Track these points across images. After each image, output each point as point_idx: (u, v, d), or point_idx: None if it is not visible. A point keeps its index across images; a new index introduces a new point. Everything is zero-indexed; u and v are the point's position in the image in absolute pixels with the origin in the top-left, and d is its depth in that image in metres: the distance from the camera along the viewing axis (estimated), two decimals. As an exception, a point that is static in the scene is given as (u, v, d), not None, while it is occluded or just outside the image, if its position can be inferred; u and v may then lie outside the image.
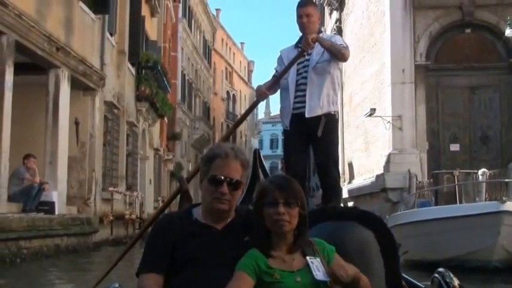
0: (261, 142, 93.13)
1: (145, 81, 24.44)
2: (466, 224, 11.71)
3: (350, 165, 29.96)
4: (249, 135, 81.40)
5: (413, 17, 24.12)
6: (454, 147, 24.06)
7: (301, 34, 5.87)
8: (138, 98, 24.48)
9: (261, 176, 4.92)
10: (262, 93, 5.49)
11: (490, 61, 24.03)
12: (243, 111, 74.68)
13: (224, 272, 2.63)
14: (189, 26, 48.19)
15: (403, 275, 3.27)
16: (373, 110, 24.44)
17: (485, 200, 14.13)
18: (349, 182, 29.09)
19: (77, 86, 16.81)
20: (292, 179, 2.77)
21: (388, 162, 23.29)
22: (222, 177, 2.80)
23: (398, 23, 24.02)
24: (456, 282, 2.81)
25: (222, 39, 67.20)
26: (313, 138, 5.64)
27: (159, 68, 25.79)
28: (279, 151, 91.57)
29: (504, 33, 21.99)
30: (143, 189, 25.74)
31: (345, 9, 34.94)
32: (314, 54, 5.66)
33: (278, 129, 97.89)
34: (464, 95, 24.36)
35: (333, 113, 5.66)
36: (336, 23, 36.38)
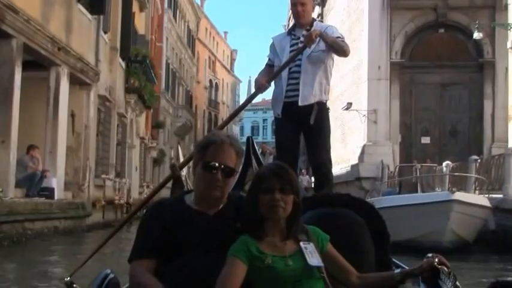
0: (242, 129, 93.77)
1: (134, 74, 25.64)
2: (421, 210, 13.41)
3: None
4: (231, 123, 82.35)
5: (390, 17, 25.28)
6: (425, 140, 25.44)
7: (293, 22, 5.98)
8: (127, 90, 25.62)
9: (254, 163, 4.86)
10: (261, 86, 5.47)
11: (460, 60, 25.37)
12: (225, 99, 75.89)
13: (216, 258, 2.66)
14: (174, 16, 48.69)
15: (394, 259, 3.28)
16: (349, 104, 25.74)
17: (448, 190, 15.66)
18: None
19: (74, 81, 18.02)
20: (288, 167, 2.80)
21: (362, 153, 24.53)
22: (217, 164, 2.80)
23: (376, 22, 25.15)
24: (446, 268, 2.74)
25: (206, 29, 67.78)
26: (305, 126, 5.62)
27: (148, 61, 27.02)
28: (260, 138, 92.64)
29: (475, 34, 23.15)
30: (130, 176, 26.98)
31: (326, 4, 35.87)
32: (304, 38, 5.51)
33: (259, 117, 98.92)
34: (436, 91, 25.72)
35: (324, 101, 5.67)
36: (317, 17, 37.48)
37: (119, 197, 23.09)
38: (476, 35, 22.93)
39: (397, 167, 19.98)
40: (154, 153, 39.57)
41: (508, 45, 22.03)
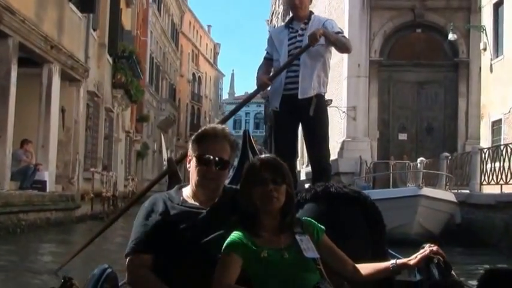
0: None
1: (121, 70, 26.22)
2: (391, 204, 14.17)
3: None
4: (213, 116, 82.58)
5: (369, 17, 26.04)
6: (402, 136, 26.30)
7: (291, 15, 6.00)
8: (114, 86, 26.21)
9: (251, 156, 4.69)
10: (263, 84, 5.57)
11: (437, 59, 26.26)
12: (208, 93, 76.31)
13: (211, 252, 2.68)
14: (158, 10, 48.71)
15: (389, 250, 3.28)
16: (330, 101, 26.45)
17: (417, 186, 16.57)
18: (307, 165, 31.03)
19: (65, 77, 18.64)
20: (278, 159, 2.81)
21: (342, 148, 25.29)
22: (211, 157, 2.82)
23: (356, 21, 25.89)
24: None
25: (190, 22, 67.85)
26: (303, 119, 5.61)
27: (134, 57, 27.67)
28: (242, 132, 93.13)
29: (450, 35, 24.02)
30: (116, 169, 27.58)
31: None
32: (308, 38, 5.50)
33: (242, 110, 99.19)
34: (413, 89, 26.59)
35: (323, 93, 5.67)
36: None
37: (106, 189, 23.73)
38: (451, 36, 23.85)
39: (372, 163, 20.85)
40: (138, 147, 39.97)
41: (481, 47, 22.97)
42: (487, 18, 22.98)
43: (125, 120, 31.70)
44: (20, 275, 9.00)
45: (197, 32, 72.33)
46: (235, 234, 2.65)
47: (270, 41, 5.88)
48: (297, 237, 2.68)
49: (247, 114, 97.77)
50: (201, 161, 2.84)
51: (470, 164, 16.53)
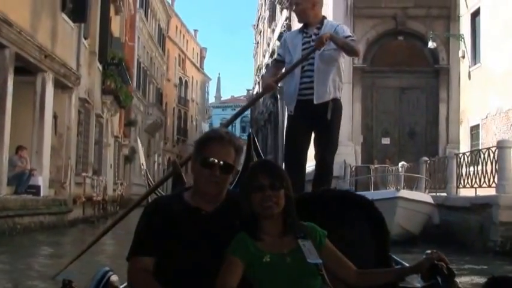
0: (210, 126, 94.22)
1: (111, 76, 26.74)
2: None
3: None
4: (200, 120, 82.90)
5: (353, 25, 26.46)
6: (385, 140, 26.87)
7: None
8: (104, 92, 26.75)
9: (255, 159, 4.79)
10: (270, 87, 5.56)
11: (418, 65, 26.88)
12: (194, 97, 76.70)
13: (214, 255, 2.67)
14: (146, 15, 48.95)
15: (393, 256, 3.25)
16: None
17: (404, 188, 17.26)
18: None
19: (57, 85, 19.20)
20: (275, 162, 2.84)
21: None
22: (216, 160, 2.79)
23: (339, 28, 26.50)
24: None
25: (176, 27, 68.01)
26: (318, 123, 5.60)
27: (123, 64, 28.25)
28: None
29: (430, 43, 24.72)
30: (105, 174, 28.12)
31: (294, 8, 37.34)
32: (314, 42, 5.50)
33: (228, 114, 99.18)
34: (395, 94, 27.16)
35: (338, 98, 5.66)
36: (286, 20, 38.31)
37: (96, 194, 24.25)
38: (431, 44, 24.56)
39: (354, 167, 21.55)
40: (126, 151, 40.25)
41: (460, 54, 23.68)
42: (465, 27, 23.67)
43: (114, 125, 32.20)
44: (20, 278, 9.17)
45: (184, 36, 72.59)
46: (238, 238, 2.66)
47: (284, 44, 5.89)
48: (300, 241, 2.67)
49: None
50: (205, 164, 2.81)
51: (447, 168, 17.21)
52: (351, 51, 5.59)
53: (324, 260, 2.67)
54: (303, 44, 5.64)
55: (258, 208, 2.66)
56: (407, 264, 2.99)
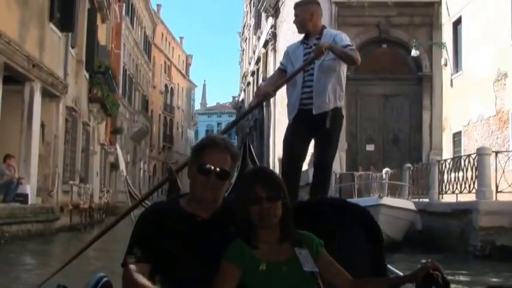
0: (196, 133, 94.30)
1: (97, 85, 26.88)
2: None
3: (280, 160, 32.42)
4: (185, 127, 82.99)
5: (337, 32, 26.96)
6: (370, 147, 27.12)
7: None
8: (90, 100, 26.91)
9: (251, 166, 4.78)
10: (266, 94, 5.60)
11: (402, 73, 27.19)
12: (180, 104, 76.82)
13: (210, 262, 2.66)
14: (131, 22, 49.11)
15: (389, 266, 3.23)
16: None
17: (388, 194, 17.56)
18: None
19: (45, 94, 19.33)
20: (271, 171, 2.83)
21: (312, 159, 26.13)
22: (212, 167, 2.78)
23: (324, 37, 26.75)
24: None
25: (162, 34, 68.13)
26: (317, 133, 5.67)
27: (110, 72, 28.43)
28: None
29: (413, 51, 25.10)
30: (92, 181, 28.24)
31: (279, 16, 37.01)
32: (313, 51, 5.55)
33: (213, 121, 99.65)
34: (379, 102, 27.43)
35: (339, 107, 5.72)
36: (271, 28, 38.64)
37: (83, 201, 24.36)
38: (414, 53, 24.96)
39: (339, 174, 21.84)
40: (112, 158, 40.29)
41: (442, 62, 24.12)
42: (447, 35, 24.13)
43: (100, 133, 32.30)
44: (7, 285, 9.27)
45: (169, 43, 72.72)
46: (234, 246, 2.66)
47: (286, 55, 5.97)
48: (296, 250, 2.66)
49: (219, 124, 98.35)
50: (201, 171, 2.80)
51: (429, 174, 17.53)
52: (350, 60, 5.60)
53: (320, 268, 2.66)
54: (304, 55, 5.74)
55: (256, 220, 2.65)
56: (401, 274, 2.93)
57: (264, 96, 5.68)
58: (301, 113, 5.70)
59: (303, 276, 2.60)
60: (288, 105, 5.87)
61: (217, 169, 2.79)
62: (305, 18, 5.79)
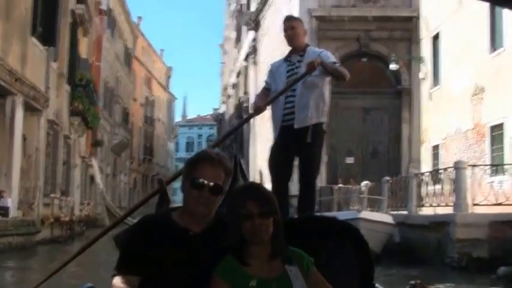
0: (177, 145, 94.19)
1: (78, 98, 26.97)
2: None
3: (260, 173, 32.47)
4: (166, 139, 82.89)
5: (317, 47, 27.11)
6: (349, 160, 27.32)
7: (290, 50, 6.15)
8: (72, 113, 26.98)
9: (241, 181, 4.55)
10: (258, 109, 5.63)
11: (381, 87, 27.43)
12: (160, 116, 76.76)
13: (200, 276, 2.66)
14: (112, 35, 49.01)
15: (377, 285, 3.21)
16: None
17: (367, 207, 17.76)
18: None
19: (27, 107, 19.46)
20: (263, 187, 2.81)
21: (293, 172, 26.28)
22: (206, 182, 2.77)
23: (304, 51, 26.98)
24: None
25: (143, 47, 67.92)
26: (300, 147, 5.76)
27: (91, 85, 28.51)
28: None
29: (392, 65, 25.44)
30: (72, 194, 28.30)
31: (260, 30, 37.25)
32: (303, 68, 5.69)
33: (194, 133, 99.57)
34: (359, 115, 27.66)
35: (321, 122, 5.83)
36: (252, 41, 38.87)
37: (64, 214, 24.39)
38: (393, 67, 25.33)
39: (319, 187, 22.06)
40: (92, 171, 40.18)
41: (420, 76, 24.45)
42: (426, 49, 24.48)
43: (81, 145, 32.35)
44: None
45: (150, 56, 72.42)
46: (225, 261, 2.65)
47: (270, 73, 6.12)
48: (287, 267, 2.65)
49: (199, 136, 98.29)
50: (194, 185, 2.79)
51: (408, 187, 17.78)
52: (340, 77, 5.81)
53: (310, 286, 2.67)
54: (287, 72, 5.91)
55: (248, 235, 2.63)
56: None
57: (256, 110, 5.70)
58: (284, 129, 5.81)
59: None
60: (272, 121, 5.99)
61: (211, 184, 2.78)
62: (300, 33, 6.01)
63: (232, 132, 7.02)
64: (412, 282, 2.70)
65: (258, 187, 2.80)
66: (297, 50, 5.98)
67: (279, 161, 5.87)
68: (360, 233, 3.22)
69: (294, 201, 6.18)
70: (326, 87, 5.90)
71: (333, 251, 3.08)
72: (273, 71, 6.09)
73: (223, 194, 2.88)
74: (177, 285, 2.70)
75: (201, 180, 2.77)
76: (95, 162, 15.61)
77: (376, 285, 3.19)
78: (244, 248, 2.66)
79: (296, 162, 6.01)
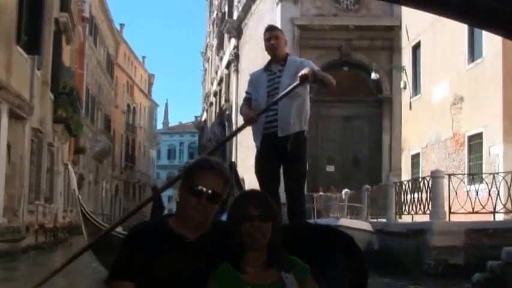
0: (158, 152, 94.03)
1: (62, 106, 27.14)
2: None
3: (242, 180, 32.83)
4: (148, 146, 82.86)
5: (299, 55, 27.49)
6: (330, 168, 27.71)
7: (269, 59, 6.13)
8: (55, 121, 27.11)
9: (236, 191, 4.88)
10: (250, 119, 5.55)
11: (362, 95, 27.89)
12: (142, 123, 76.73)
13: (195, 284, 2.66)
14: (94, 42, 49.13)
15: None
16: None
17: (347, 215, 18.04)
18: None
19: (11, 115, 19.57)
20: (265, 194, 2.83)
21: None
22: (204, 189, 2.77)
23: (285, 59, 27.31)
24: None
25: (125, 54, 67.89)
26: (283, 155, 5.77)
27: (75, 93, 28.69)
28: (177, 161, 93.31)
29: (373, 74, 25.81)
30: (56, 201, 28.51)
31: (242, 38, 37.74)
32: (284, 78, 5.75)
33: (176, 140, 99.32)
34: (339, 123, 28.09)
35: (304, 130, 5.87)
36: (234, 49, 39.21)
37: (48, 221, 24.53)
38: (374, 76, 25.68)
39: (303, 194, 22.42)
40: (68, 174, 40.07)
41: (401, 85, 24.83)
42: (406, 59, 24.86)
43: (64, 153, 32.42)
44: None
45: (132, 63, 72.49)
46: (222, 268, 2.66)
47: (251, 83, 6.11)
48: (283, 274, 2.65)
49: (181, 144, 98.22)
50: (192, 192, 2.78)
51: (387, 195, 18.12)
52: (328, 84, 5.85)
53: None
54: (268, 81, 5.91)
55: (245, 237, 2.65)
56: None
57: (248, 121, 5.61)
58: (266, 137, 5.83)
59: None
60: (254, 130, 5.96)
61: (209, 191, 2.78)
62: (282, 43, 6.02)
63: (224, 142, 7.20)
64: None
65: (261, 194, 2.84)
66: (278, 59, 5.99)
67: (265, 171, 5.89)
68: (354, 241, 3.21)
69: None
70: (307, 95, 5.95)
71: (326, 258, 3.08)
72: (253, 81, 6.12)
73: (221, 203, 2.88)
74: None
75: (200, 187, 2.78)
76: (71, 169, 15.82)
77: None
78: (242, 254, 2.68)
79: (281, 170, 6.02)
